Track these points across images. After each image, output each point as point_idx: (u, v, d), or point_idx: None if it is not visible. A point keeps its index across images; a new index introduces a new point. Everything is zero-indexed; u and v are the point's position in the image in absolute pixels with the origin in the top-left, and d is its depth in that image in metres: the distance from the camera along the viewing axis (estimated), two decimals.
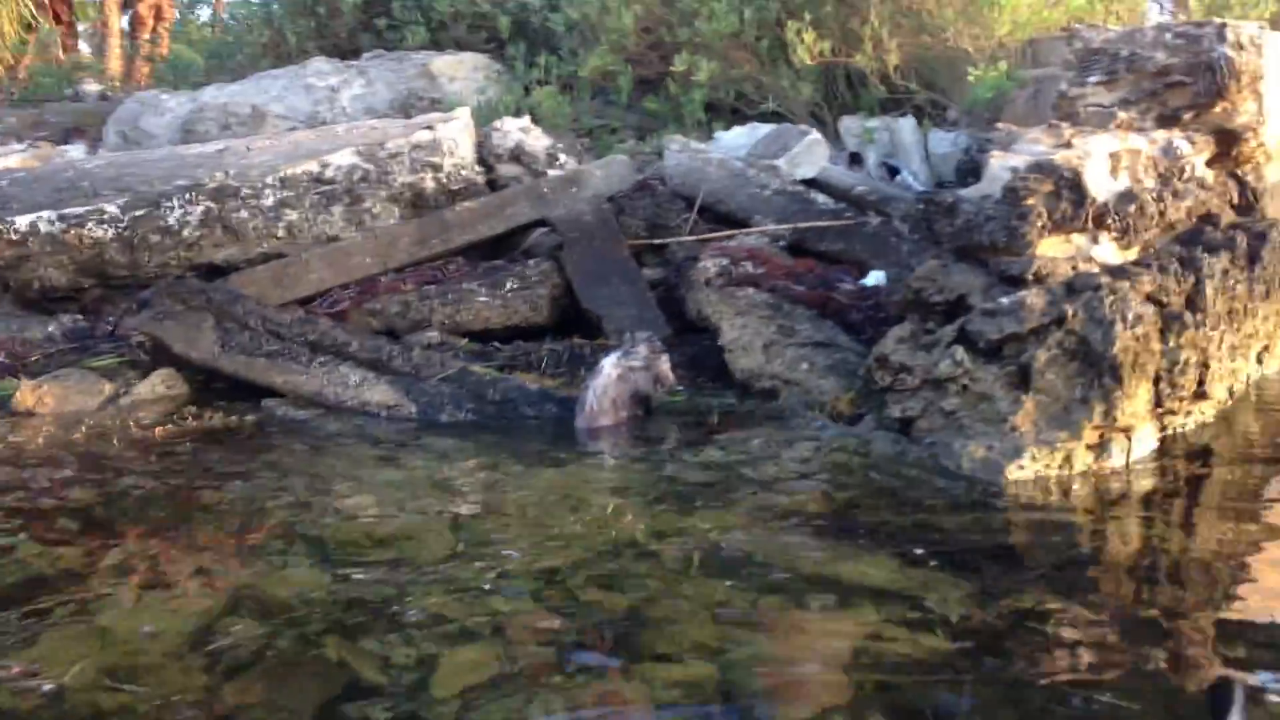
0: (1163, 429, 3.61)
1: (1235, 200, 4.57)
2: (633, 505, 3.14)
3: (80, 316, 5.35)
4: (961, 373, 3.49)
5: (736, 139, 6.34)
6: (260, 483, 3.41)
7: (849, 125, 6.78)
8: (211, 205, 5.60)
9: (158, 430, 3.92)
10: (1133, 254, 3.78)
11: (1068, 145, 3.79)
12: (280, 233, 5.66)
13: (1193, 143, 4.32)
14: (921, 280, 3.69)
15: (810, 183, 5.87)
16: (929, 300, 3.68)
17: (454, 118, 6.31)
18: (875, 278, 5.02)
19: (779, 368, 4.34)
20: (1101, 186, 3.70)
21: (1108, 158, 3.79)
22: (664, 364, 4.18)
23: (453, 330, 4.98)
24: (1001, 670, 2.27)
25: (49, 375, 4.30)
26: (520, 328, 5.13)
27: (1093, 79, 4.60)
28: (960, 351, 3.50)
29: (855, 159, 6.54)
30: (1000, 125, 5.81)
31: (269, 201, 5.68)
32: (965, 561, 2.78)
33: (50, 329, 5.24)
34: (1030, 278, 3.53)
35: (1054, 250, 3.64)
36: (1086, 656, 2.33)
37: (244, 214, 5.62)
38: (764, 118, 7.04)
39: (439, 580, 2.70)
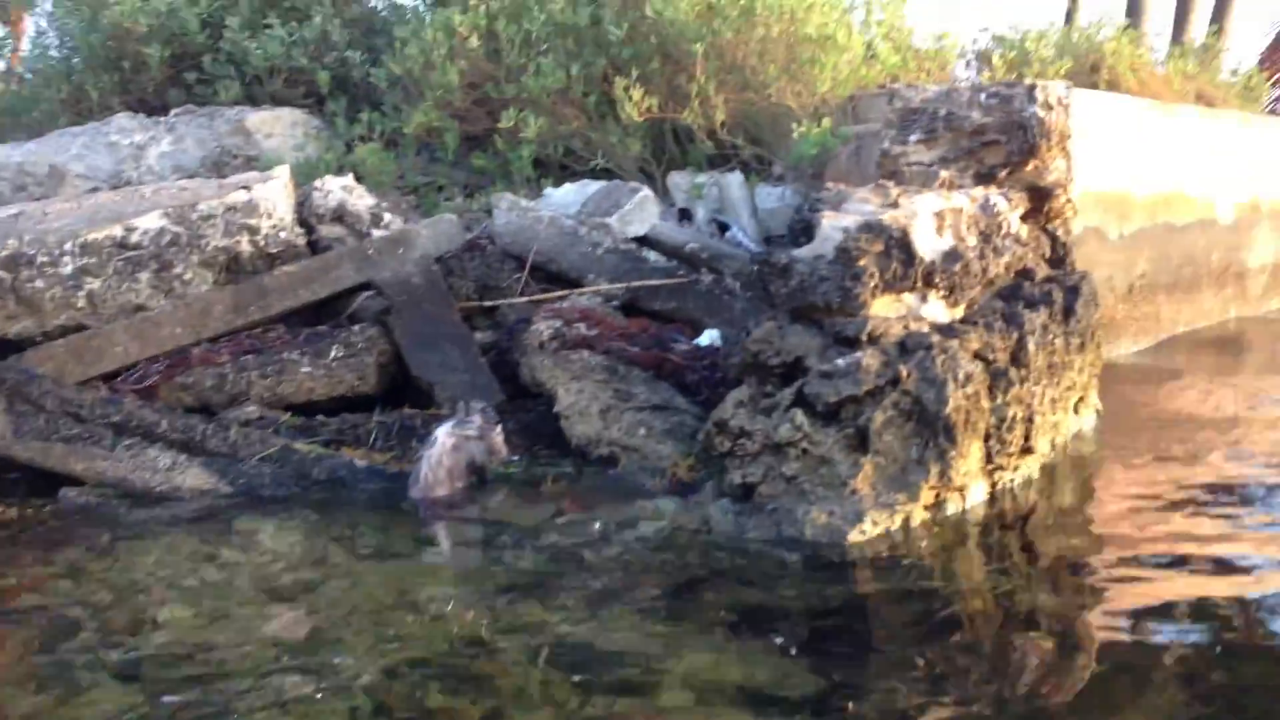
0: (992, 485, 3.65)
1: (1047, 254, 4.72)
2: (472, 598, 3.00)
3: None
4: (800, 436, 3.46)
5: (566, 196, 6.26)
6: (59, 588, 3.11)
7: (677, 181, 6.78)
8: (3, 274, 5.18)
9: None
10: (959, 311, 3.84)
11: (895, 205, 3.84)
12: (81, 303, 5.27)
13: (1008, 199, 4.44)
14: (759, 342, 3.66)
15: (642, 240, 5.83)
16: (766, 363, 3.65)
17: (272, 177, 6.03)
18: (710, 337, 5.00)
19: (617, 434, 4.24)
20: (928, 246, 3.75)
21: (933, 216, 3.85)
22: (497, 435, 4.06)
23: (274, 403, 4.71)
24: None
25: None
26: (347, 398, 4.89)
27: (913, 137, 4.70)
28: (799, 415, 3.48)
29: (685, 214, 6.54)
30: (828, 184, 5.90)
31: (68, 269, 5.29)
32: (818, 646, 2.72)
33: None
34: (865, 338, 3.54)
35: (886, 310, 3.66)
36: None
37: (40, 283, 5.22)
38: (593, 174, 6.99)
39: (267, 695, 2.49)
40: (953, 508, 3.45)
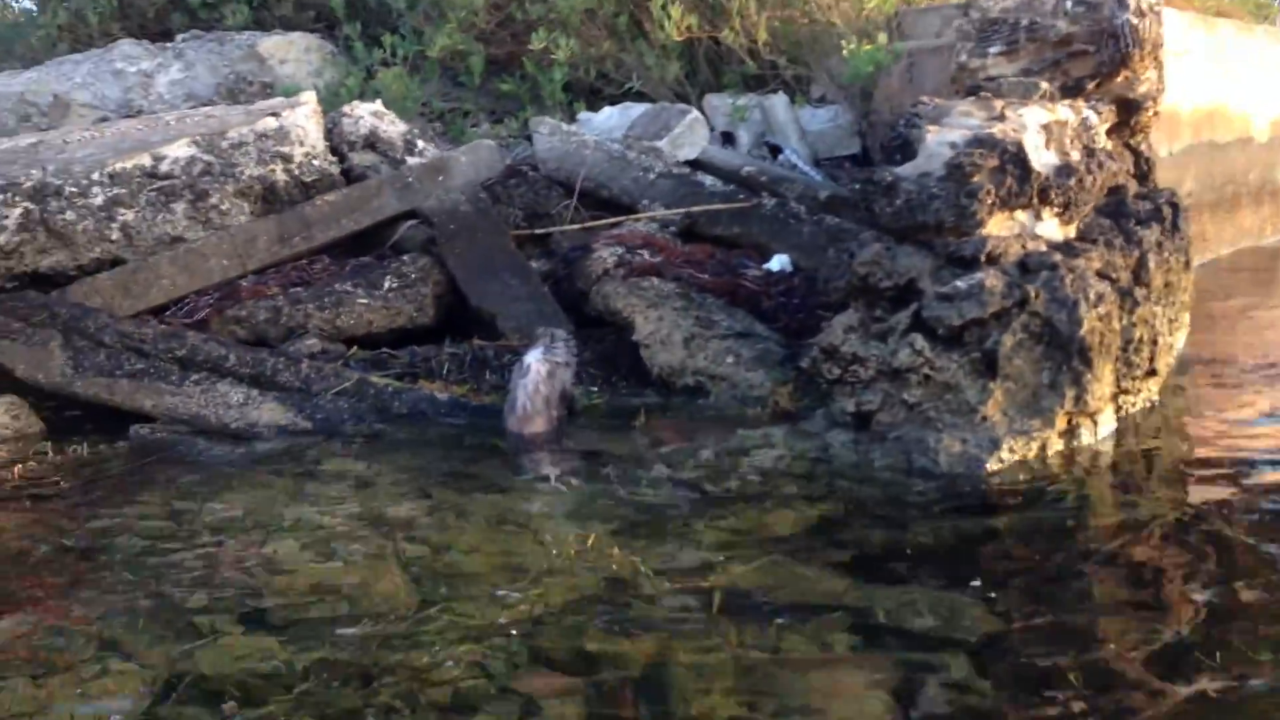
0: (1118, 410, 3.52)
1: (1132, 170, 4.56)
2: (600, 535, 2.82)
3: None
4: (922, 362, 3.31)
5: (608, 120, 6.03)
6: (159, 530, 2.92)
7: (715, 104, 6.56)
8: (31, 206, 4.91)
9: (17, 469, 3.34)
10: (1072, 230, 3.68)
11: (1001, 118, 3.65)
12: (115, 235, 5.02)
13: (1098, 113, 4.27)
14: (868, 264, 3.49)
15: (693, 164, 5.62)
16: (876, 285, 3.48)
17: (300, 103, 5.76)
18: (779, 262, 4.82)
19: (703, 362, 4.08)
20: (1041, 160, 3.58)
21: (1040, 130, 3.67)
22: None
23: (332, 336, 4.50)
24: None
25: None
26: (405, 330, 4.69)
27: (993, 50, 4.50)
28: (919, 339, 3.32)
29: (728, 138, 6.33)
30: (877, 103, 5.72)
31: (98, 200, 5.02)
32: (980, 583, 2.58)
33: None
34: (983, 258, 3.37)
35: (999, 229, 3.50)
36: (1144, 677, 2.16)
37: (70, 215, 4.95)
38: (624, 98, 6.77)
39: (409, 640, 2.33)
40: (1086, 435, 3.31)
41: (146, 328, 3.89)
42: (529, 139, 5.97)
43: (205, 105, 6.91)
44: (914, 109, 3.80)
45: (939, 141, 3.55)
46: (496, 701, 2.11)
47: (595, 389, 4.14)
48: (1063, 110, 3.84)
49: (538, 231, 5.34)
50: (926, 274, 3.45)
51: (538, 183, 5.56)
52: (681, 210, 5.20)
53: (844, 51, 5.85)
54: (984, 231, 3.45)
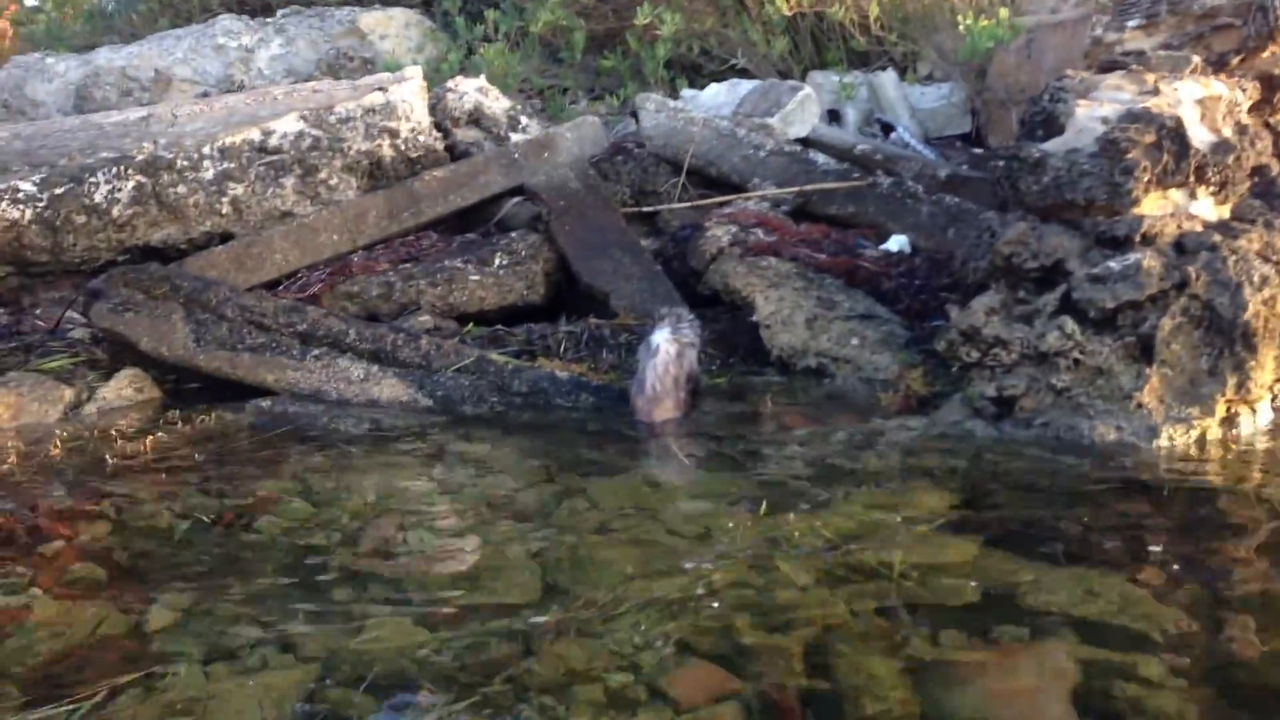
0: (1273, 399, 3.35)
1: (1273, 150, 4.35)
2: (739, 520, 2.72)
3: (2, 310, 4.65)
4: (1072, 345, 3.17)
5: (715, 97, 5.92)
6: (294, 511, 2.87)
7: (820, 81, 6.41)
8: (144, 180, 4.93)
9: (149, 440, 3.33)
10: (1226, 210, 3.50)
11: (1155, 92, 3.49)
12: (225, 209, 5.03)
13: (1243, 90, 4.07)
14: (1013, 244, 3.35)
15: (804, 142, 5.49)
16: (1021, 266, 3.34)
17: (406, 78, 5.72)
18: (898, 242, 4.69)
19: (826, 344, 3.96)
20: (1197, 137, 3.41)
21: (1195, 105, 3.50)
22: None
23: (444, 313, 4.46)
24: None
25: None
26: (515, 308, 4.64)
27: (1131, 23, 4.33)
28: (1070, 322, 3.18)
29: (833, 116, 6.19)
30: (991, 81, 5.53)
31: (209, 175, 5.04)
32: (1142, 565, 2.45)
33: None
34: (1138, 239, 3.22)
35: (1153, 208, 3.33)
36: None
37: (182, 189, 4.97)
38: (721, 75, 6.65)
39: (554, 632, 2.24)
40: (1245, 424, 3.15)
41: (267, 302, 3.86)
42: (635, 115, 5.87)
43: (305, 81, 6.92)
44: (1058, 83, 3.64)
45: (1090, 116, 3.40)
46: (650, 708, 2.01)
47: (713, 369, 4.04)
48: (1216, 85, 3.65)
49: (645, 209, 5.26)
50: (1075, 254, 3.31)
51: (645, 160, 5.47)
52: (794, 189, 5.08)
53: (959, 27, 5.67)
54: (1137, 211, 3.29)
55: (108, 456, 3.20)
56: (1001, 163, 3.49)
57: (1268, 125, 4.40)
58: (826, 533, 2.63)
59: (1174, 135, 3.32)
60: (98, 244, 4.87)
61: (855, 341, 3.94)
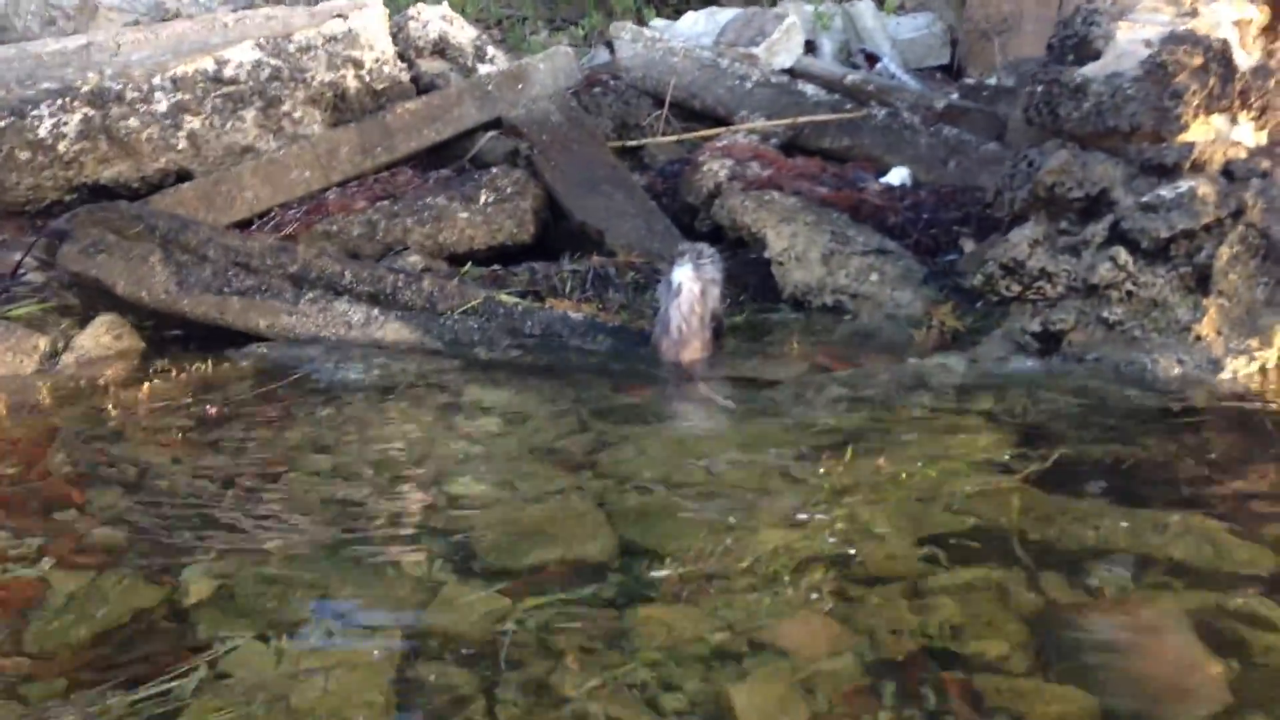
0: None
1: None
2: (797, 464, 2.56)
3: None
4: (1124, 277, 3.06)
5: (692, 26, 5.70)
6: (316, 465, 2.64)
7: (777, 11, 6.21)
8: (91, 112, 4.56)
9: (145, 389, 3.04)
10: (1264, 137, 3.40)
11: (1193, 14, 3.36)
12: (181, 144, 4.68)
13: (1258, 12, 3.98)
14: (1056, 173, 3.21)
15: (789, 73, 5.30)
16: (1065, 196, 3.20)
17: (365, 4, 5.37)
18: (899, 175, 4.54)
19: (844, 280, 3.81)
20: (1241, 59, 3.30)
21: (1233, 27, 3.38)
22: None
23: (433, 253, 4.20)
24: None
25: None
26: (504, 247, 4.39)
27: None
28: (1123, 253, 3.06)
29: (809, 47, 5.99)
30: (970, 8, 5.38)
31: (162, 107, 4.68)
32: (1225, 504, 2.35)
33: None
34: (1187, 166, 3.11)
35: (1197, 135, 3.22)
36: None
37: (134, 122, 4.61)
38: (685, 5, 6.42)
39: (637, 590, 2.07)
40: None
41: (253, 242, 3.57)
42: (609, 46, 5.63)
43: (246, 9, 6.49)
44: (1090, 5, 3.49)
45: (1131, 39, 3.26)
46: (762, 657, 1.86)
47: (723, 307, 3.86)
48: (1247, 7, 3.54)
49: (630, 144, 5.03)
50: (1120, 183, 3.18)
51: (626, 93, 5.24)
52: (786, 121, 4.90)
53: None
54: (1184, 138, 3.17)
55: (109, 409, 2.91)
56: (1040, 88, 3.34)
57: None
58: (904, 480, 2.48)
59: (1220, 58, 3.20)
60: (43, 182, 4.51)
61: (874, 278, 3.79)
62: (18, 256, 4.14)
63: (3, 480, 2.48)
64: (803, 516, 2.30)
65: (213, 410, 2.90)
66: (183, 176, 4.67)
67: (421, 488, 2.52)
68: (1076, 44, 3.48)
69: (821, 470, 2.51)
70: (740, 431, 2.88)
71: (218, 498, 2.45)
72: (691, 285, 3.34)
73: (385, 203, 4.44)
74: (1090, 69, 3.31)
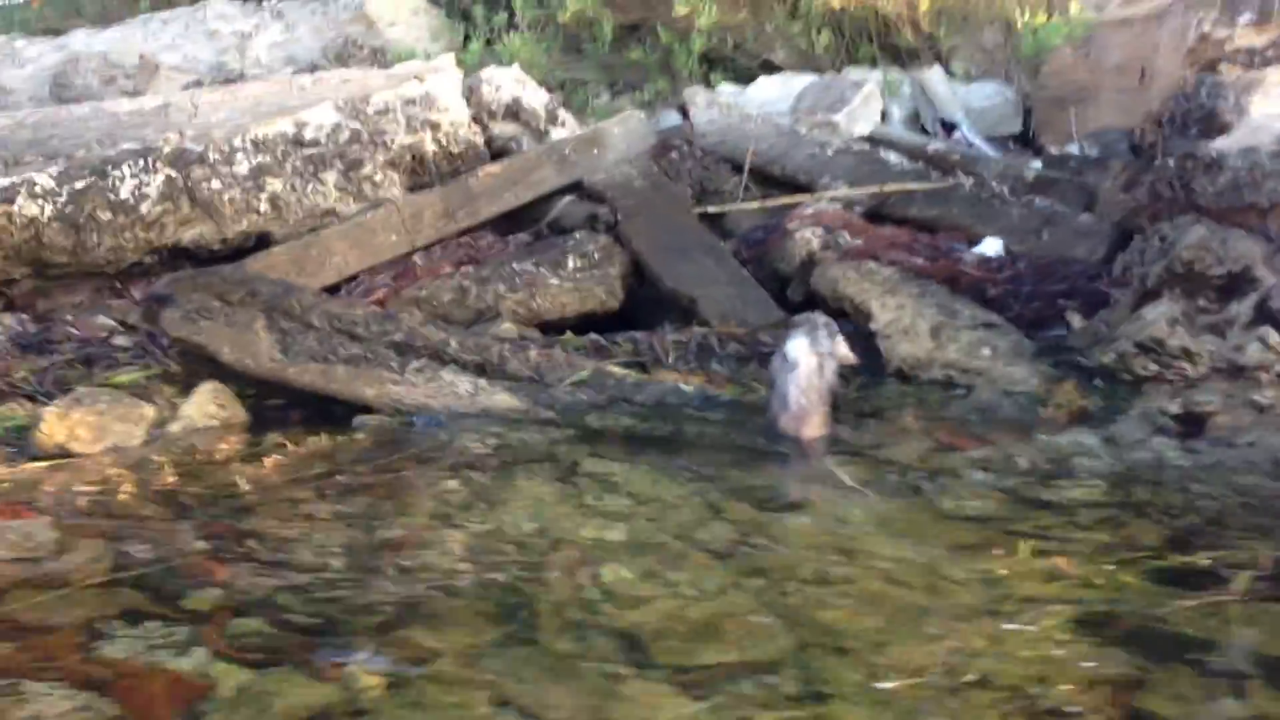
0: None
1: None
2: (963, 563, 2.44)
3: (26, 316, 4.18)
4: (1274, 359, 2.97)
5: (768, 92, 5.66)
6: (450, 547, 2.52)
7: (855, 77, 6.19)
8: (173, 173, 4.50)
9: (269, 463, 2.93)
10: None
11: None
12: (263, 206, 4.62)
13: None
14: (1195, 250, 3.14)
15: (869, 140, 5.25)
16: (1205, 273, 3.13)
17: (440, 68, 5.35)
18: (994, 246, 4.46)
19: (954, 355, 3.71)
20: None
21: None
22: (842, 346, 3.47)
23: (526, 320, 4.12)
24: None
25: (64, 399, 3.19)
26: (592, 314, 4.32)
27: (1243, 19, 4.16)
28: (1272, 334, 2.98)
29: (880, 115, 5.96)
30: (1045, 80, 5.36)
31: (243, 169, 4.62)
32: None
33: None
34: None
35: None
36: None
37: (215, 184, 4.55)
38: (751, 71, 6.40)
39: (830, 695, 1.95)
40: None
41: (357, 309, 3.48)
42: (681, 111, 5.59)
43: (309, 71, 6.49)
44: (1213, 79, 3.44)
45: (1267, 114, 3.20)
46: None
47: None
48: None
49: (711, 209, 4.96)
50: (1260, 260, 3.11)
51: (704, 158, 5.19)
52: (871, 189, 4.84)
53: (1018, 24, 5.49)
54: None
55: (238, 483, 2.80)
56: (1172, 163, 3.27)
57: None
58: (1098, 585, 2.35)
59: None
60: (124, 243, 4.43)
61: (986, 352, 3.69)
62: (100, 319, 4.06)
63: (139, 562, 2.36)
64: (1010, 627, 2.17)
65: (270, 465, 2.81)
66: (262, 239, 4.61)
67: (571, 576, 2.41)
68: (1202, 118, 3.42)
69: (998, 569, 2.39)
70: (885, 520, 2.77)
71: (362, 580, 2.34)
72: (808, 359, 3.25)
73: (472, 268, 4.37)
74: (1223, 143, 3.26)
